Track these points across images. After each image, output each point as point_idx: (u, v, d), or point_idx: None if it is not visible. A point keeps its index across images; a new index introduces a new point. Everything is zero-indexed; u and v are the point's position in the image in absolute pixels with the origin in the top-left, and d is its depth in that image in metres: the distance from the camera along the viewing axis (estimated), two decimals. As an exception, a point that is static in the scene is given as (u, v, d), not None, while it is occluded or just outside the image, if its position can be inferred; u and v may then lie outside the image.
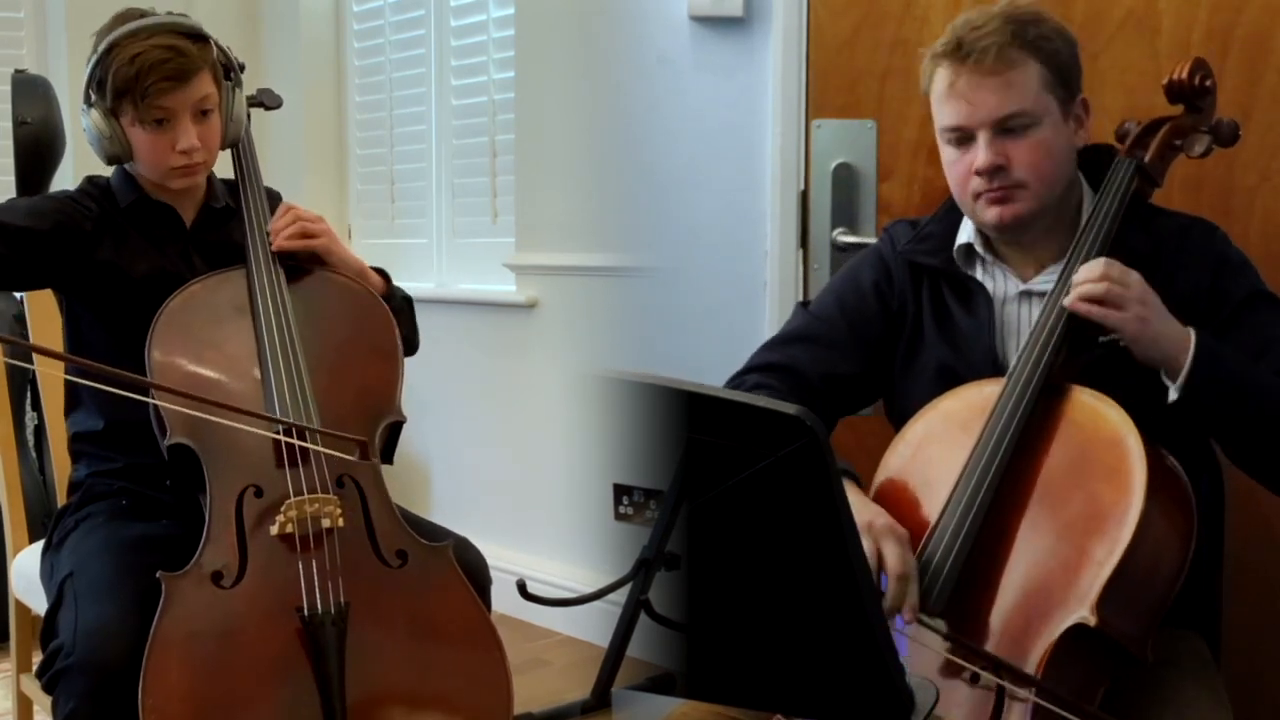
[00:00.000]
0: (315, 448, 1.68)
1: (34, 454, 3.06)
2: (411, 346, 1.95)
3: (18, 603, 2.11)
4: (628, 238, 2.94)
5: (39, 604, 1.98)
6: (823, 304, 1.75)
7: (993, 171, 1.54)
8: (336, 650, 1.57)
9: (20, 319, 2.94)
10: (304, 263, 1.87)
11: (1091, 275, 1.47)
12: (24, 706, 2.19)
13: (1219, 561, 1.71)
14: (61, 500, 2.09)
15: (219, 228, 1.91)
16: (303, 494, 1.65)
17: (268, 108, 2.13)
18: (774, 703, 1.13)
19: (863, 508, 1.45)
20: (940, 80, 1.56)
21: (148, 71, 1.73)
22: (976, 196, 1.58)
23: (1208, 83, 1.66)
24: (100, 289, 1.83)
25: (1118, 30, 2.08)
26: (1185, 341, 1.46)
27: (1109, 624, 1.32)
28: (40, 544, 2.02)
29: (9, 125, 3.16)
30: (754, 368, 1.71)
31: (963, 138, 1.57)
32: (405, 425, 1.83)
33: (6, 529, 2.19)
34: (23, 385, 2.88)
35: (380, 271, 1.98)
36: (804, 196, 2.42)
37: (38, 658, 1.91)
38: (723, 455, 1.05)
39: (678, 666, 1.10)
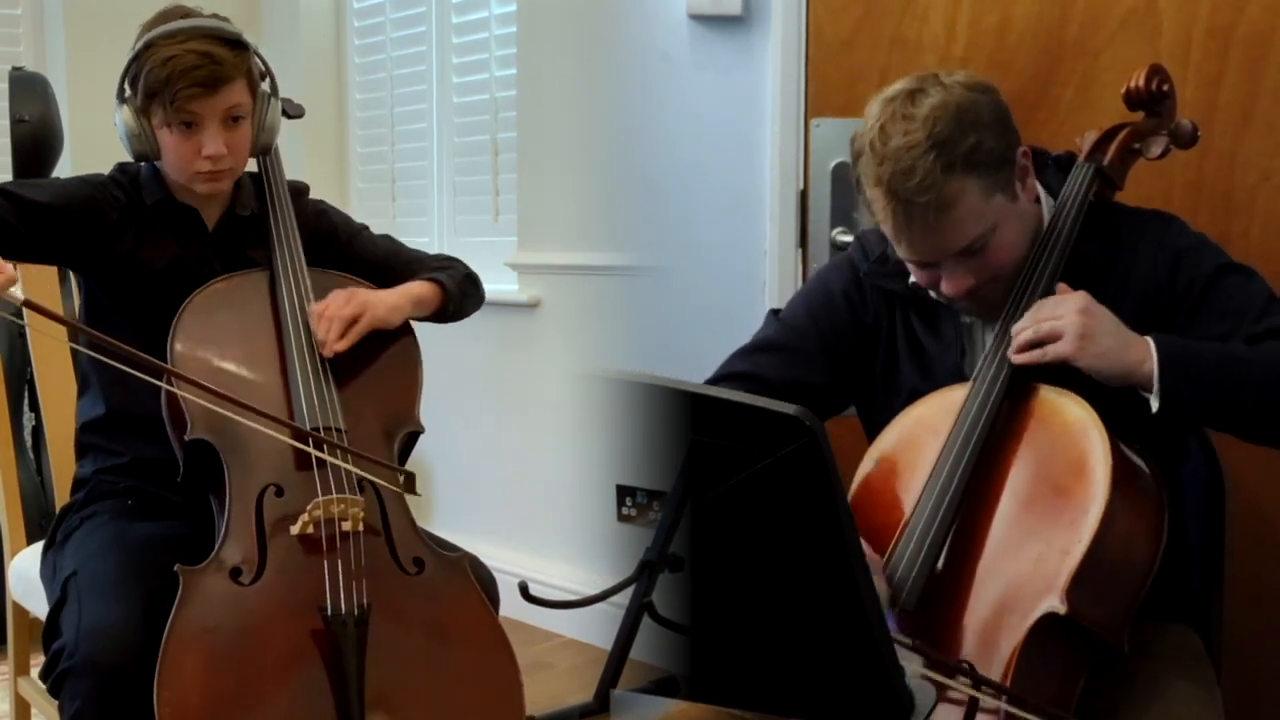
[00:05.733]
0: (338, 463, 1.68)
1: (32, 455, 3.06)
2: (466, 303, 1.98)
3: (16, 605, 2.10)
4: (628, 237, 2.94)
5: (37, 606, 1.98)
6: (793, 312, 1.75)
7: (966, 294, 1.54)
8: (357, 651, 1.57)
9: (16, 313, 2.93)
10: (328, 272, 1.88)
11: (1022, 325, 1.47)
12: (22, 709, 2.18)
13: (1219, 558, 1.72)
14: (61, 500, 2.08)
15: (241, 236, 1.90)
16: (330, 494, 1.65)
17: (290, 116, 2.13)
18: (775, 704, 1.13)
19: None
20: (880, 210, 1.50)
21: (179, 76, 1.72)
22: (952, 302, 1.58)
23: (1165, 87, 1.66)
24: (118, 278, 1.83)
25: (1118, 30, 2.08)
26: (1146, 348, 1.43)
27: (1080, 613, 1.32)
28: (39, 545, 2.01)
29: (7, 123, 3.15)
30: (721, 377, 1.71)
31: (925, 264, 1.55)
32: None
33: (4, 531, 2.18)
34: (20, 386, 2.88)
35: (444, 262, 1.97)
36: (803, 196, 2.42)
37: (36, 660, 1.92)
38: (724, 456, 1.04)
39: (681, 669, 1.10)
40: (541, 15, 3.18)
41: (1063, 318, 1.44)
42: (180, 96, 1.72)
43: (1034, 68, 2.11)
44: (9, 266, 1.58)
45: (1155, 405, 1.42)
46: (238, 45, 1.78)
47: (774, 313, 1.78)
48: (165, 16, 1.77)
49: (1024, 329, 1.46)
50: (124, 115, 1.78)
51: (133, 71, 1.76)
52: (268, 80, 1.87)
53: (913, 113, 1.47)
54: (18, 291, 1.59)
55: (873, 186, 1.49)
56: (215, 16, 1.80)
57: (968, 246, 1.49)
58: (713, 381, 1.71)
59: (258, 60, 1.84)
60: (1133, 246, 1.57)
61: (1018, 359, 1.46)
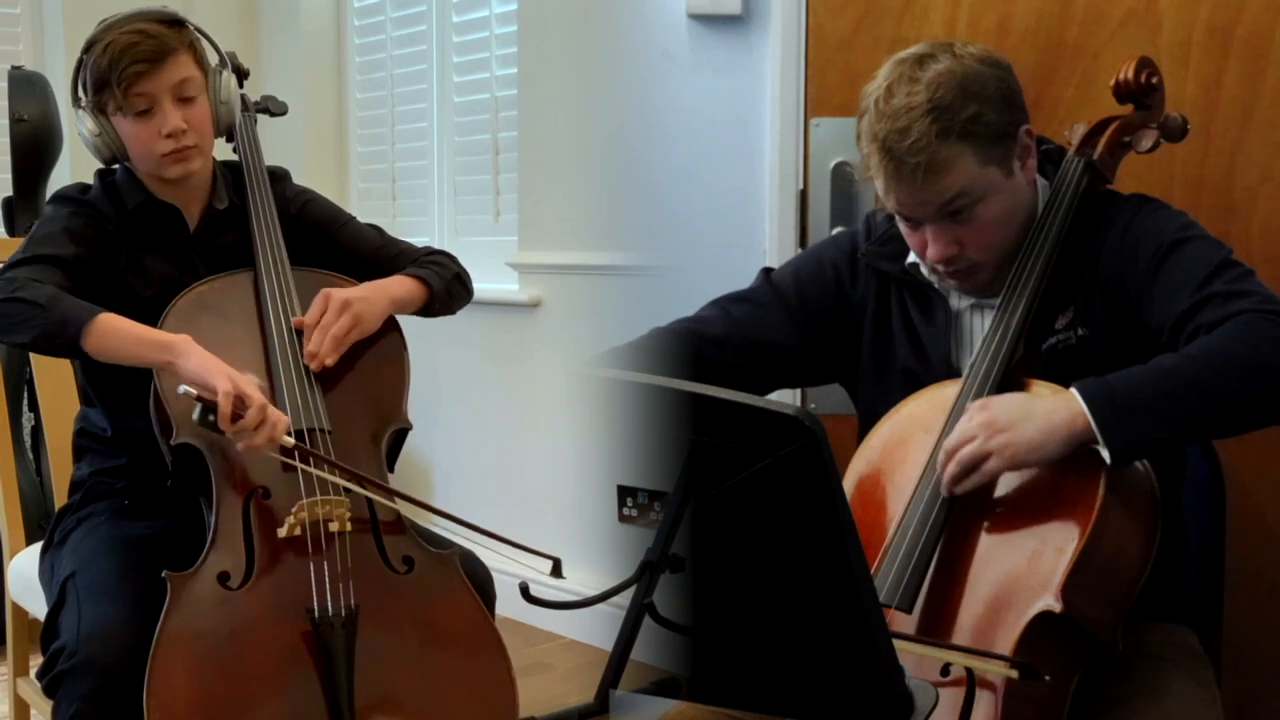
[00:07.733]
0: (324, 475, 1.67)
1: (31, 455, 3.06)
2: (453, 301, 1.96)
3: (15, 606, 2.10)
4: (628, 236, 2.94)
5: (36, 607, 1.98)
6: (782, 274, 1.75)
7: (947, 260, 1.53)
8: (346, 653, 1.57)
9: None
10: (311, 270, 1.87)
11: (942, 462, 1.42)
12: (21, 710, 2.18)
13: (1219, 558, 1.71)
14: (60, 501, 2.08)
15: (222, 233, 1.89)
16: (315, 495, 1.65)
17: (273, 114, 2.12)
18: (775, 705, 1.12)
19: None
20: (874, 166, 1.51)
21: (119, 57, 1.72)
22: (935, 270, 1.58)
23: (1154, 80, 1.66)
24: (108, 297, 1.81)
25: (1118, 29, 2.08)
26: (1069, 401, 1.36)
27: (1075, 610, 1.32)
28: (38, 546, 2.01)
29: (6, 123, 3.15)
30: (691, 317, 1.73)
31: (910, 220, 1.55)
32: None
33: (3, 532, 2.18)
34: (19, 386, 2.88)
35: (433, 257, 1.95)
36: (803, 195, 2.42)
37: (35, 661, 1.92)
38: (725, 457, 1.04)
39: (681, 669, 1.10)
40: (541, 15, 3.18)
41: (975, 438, 1.39)
42: (127, 76, 1.72)
43: (1034, 68, 2.11)
44: (281, 415, 1.62)
45: (1107, 456, 1.35)
46: (175, 23, 1.79)
47: (766, 271, 1.78)
48: (104, 20, 1.79)
49: (944, 466, 1.42)
50: (83, 120, 1.79)
51: (80, 74, 1.78)
52: (218, 55, 1.86)
53: (919, 75, 1.49)
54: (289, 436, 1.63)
55: (869, 142, 1.50)
56: (163, 10, 1.81)
57: (949, 202, 1.49)
58: (680, 319, 1.73)
59: (201, 37, 1.83)
60: (1104, 236, 1.55)
61: (959, 490, 1.41)
